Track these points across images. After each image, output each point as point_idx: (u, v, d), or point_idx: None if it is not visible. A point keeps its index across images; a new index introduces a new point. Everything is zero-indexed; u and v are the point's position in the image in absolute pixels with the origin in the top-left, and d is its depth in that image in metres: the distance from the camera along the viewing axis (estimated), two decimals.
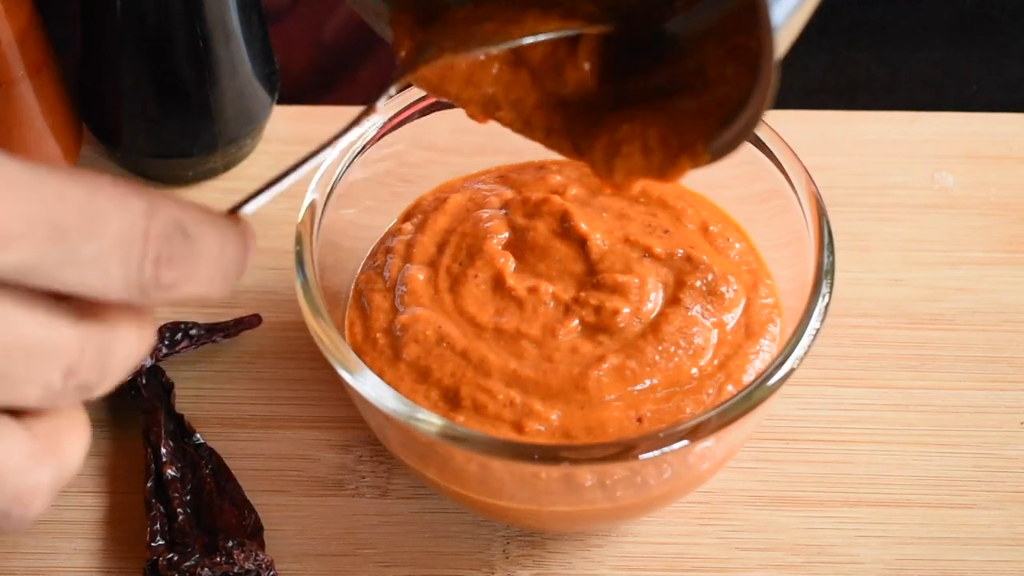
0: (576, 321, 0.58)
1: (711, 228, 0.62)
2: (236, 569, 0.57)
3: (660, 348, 0.57)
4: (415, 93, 0.62)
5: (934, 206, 0.72)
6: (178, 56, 0.68)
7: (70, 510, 0.61)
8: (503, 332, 0.58)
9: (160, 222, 0.38)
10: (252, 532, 0.60)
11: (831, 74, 0.88)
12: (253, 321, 0.67)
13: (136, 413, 0.64)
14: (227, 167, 0.74)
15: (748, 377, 0.57)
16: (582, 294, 0.59)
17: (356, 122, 0.48)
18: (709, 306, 0.59)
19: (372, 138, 0.61)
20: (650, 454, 0.51)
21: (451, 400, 0.56)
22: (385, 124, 0.62)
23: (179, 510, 0.60)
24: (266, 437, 0.64)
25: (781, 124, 0.60)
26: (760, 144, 0.60)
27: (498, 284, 0.60)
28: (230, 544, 0.58)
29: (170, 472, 0.61)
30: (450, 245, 0.62)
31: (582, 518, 0.58)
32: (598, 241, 0.60)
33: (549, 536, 0.61)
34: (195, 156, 0.72)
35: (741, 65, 0.47)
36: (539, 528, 0.61)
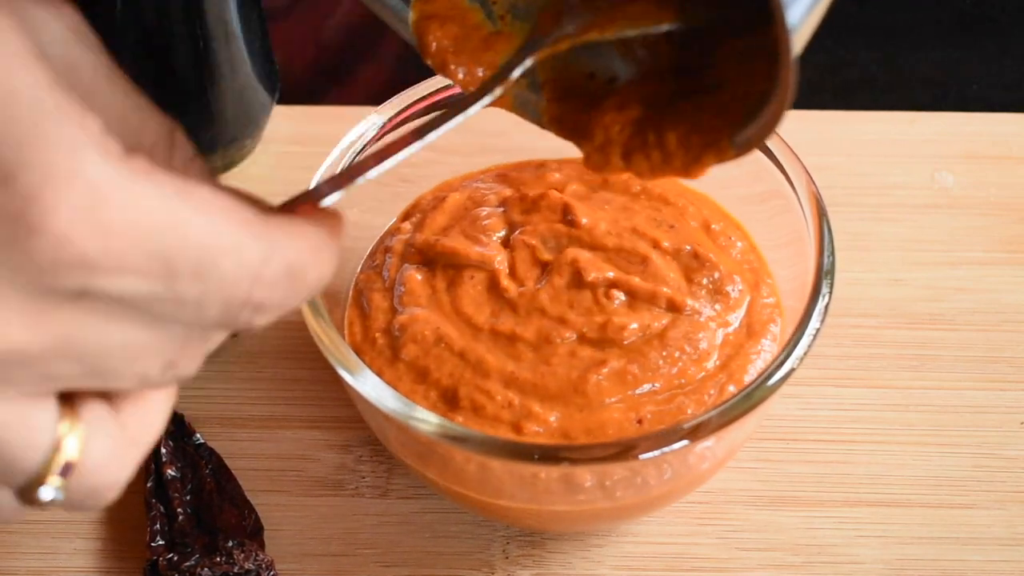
0: (574, 335, 0.58)
1: (713, 226, 0.62)
2: (236, 569, 0.57)
3: (664, 353, 0.57)
4: (415, 93, 0.62)
5: (934, 206, 0.72)
6: (178, 56, 0.68)
7: None
8: (499, 333, 0.58)
9: (271, 271, 0.37)
10: (252, 532, 0.60)
11: (831, 74, 0.88)
12: None
13: None
14: (227, 167, 0.74)
15: (749, 377, 0.57)
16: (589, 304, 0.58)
17: (481, 93, 0.46)
18: (716, 306, 0.59)
19: (372, 138, 0.61)
20: (650, 454, 0.51)
21: (449, 400, 0.56)
22: (385, 124, 0.62)
23: (179, 510, 0.60)
24: (266, 437, 0.64)
25: (781, 124, 0.60)
26: (760, 144, 0.60)
27: (493, 285, 0.59)
28: (230, 544, 0.58)
29: (170, 472, 0.61)
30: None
31: (582, 518, 0.58)
32: (602, 228, 0.60)
33: (549, 536, 0.61)
34: None
35: (761, 61, 0.47)
36: (539, 528, 0.61)
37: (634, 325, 0.57)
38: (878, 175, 0.74)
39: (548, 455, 0.52)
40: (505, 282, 0.59)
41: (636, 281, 0.59)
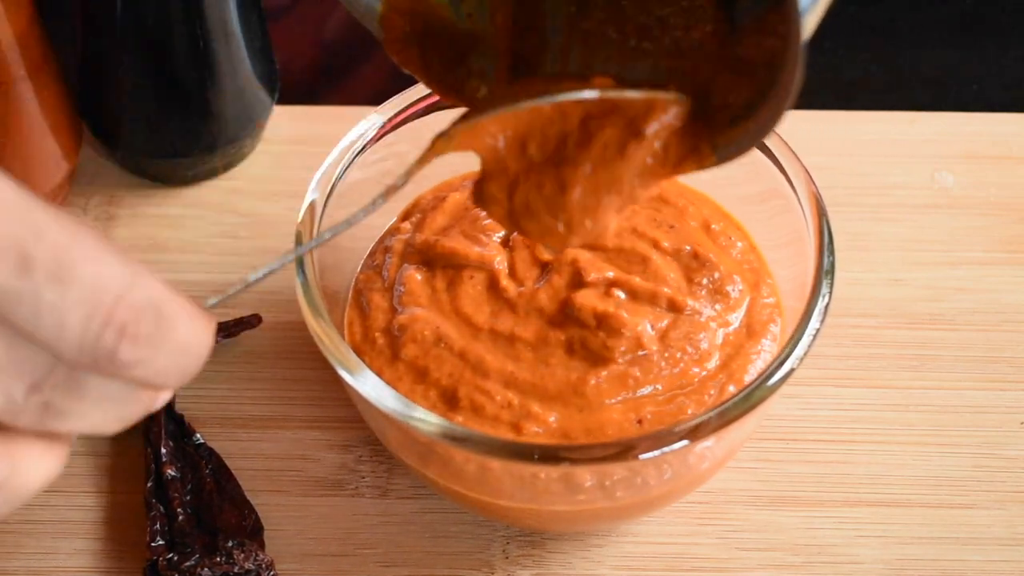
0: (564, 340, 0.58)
1: (713, 226, 0.62)
2: (236, 569, 0.57)
3: (667, 355, 0.57)
4: (415, 93, 0.62)
5: (934, 206, 0.72)
6: (178, 56, 0.68)
7: (70, 510, 0.61)
8: (499, 333, 0.58)
9: (137, 295, 0.37)
10: (252, 532, 0.60)
11: (831, 74, 0.88)
12: (253, 321, 0.67)
13: None
14: (227, 167, 0.74)
15: (749, 377, 0.57)
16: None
17: (374, 205, 0.47)
18: (716, 306, 0.59)
19: (372, 138, 0.61)
20: (650, 454, 0.51)
21: (449, 400, 0.56)
22: (385, 124, 0.62)
23: (179, 510, 0.60)
24: (266, 437, 0.64)
25: (781, 124, 0.60)
26: (760, 144, 0.60)
27: (492, 285, 0.59)
28: (230, 544, 0.58)
29: (170, 472, 0.61)
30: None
31: (582, 518, 0.58)
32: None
33: (549, 536, 0.61)
34: (195, 156, 0.72)
35: (749, 71, 0.47)
36: (539, 528, 0.61)
37: (643, 325, 0.57)
38: (878, 175, 0.74)
39: (548, 455, 0.52)
40: (504, 282, 0.59)
41: (636, 281, 0.59)
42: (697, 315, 0.58)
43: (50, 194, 0.70)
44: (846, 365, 0.66)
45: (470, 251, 0.60)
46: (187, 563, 0.57)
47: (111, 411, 0.39)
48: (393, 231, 0.63)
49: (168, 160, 0.72)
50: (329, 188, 0.60)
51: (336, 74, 0.86)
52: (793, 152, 0.59)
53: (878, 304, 0.68)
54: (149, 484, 0.61)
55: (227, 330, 0.66)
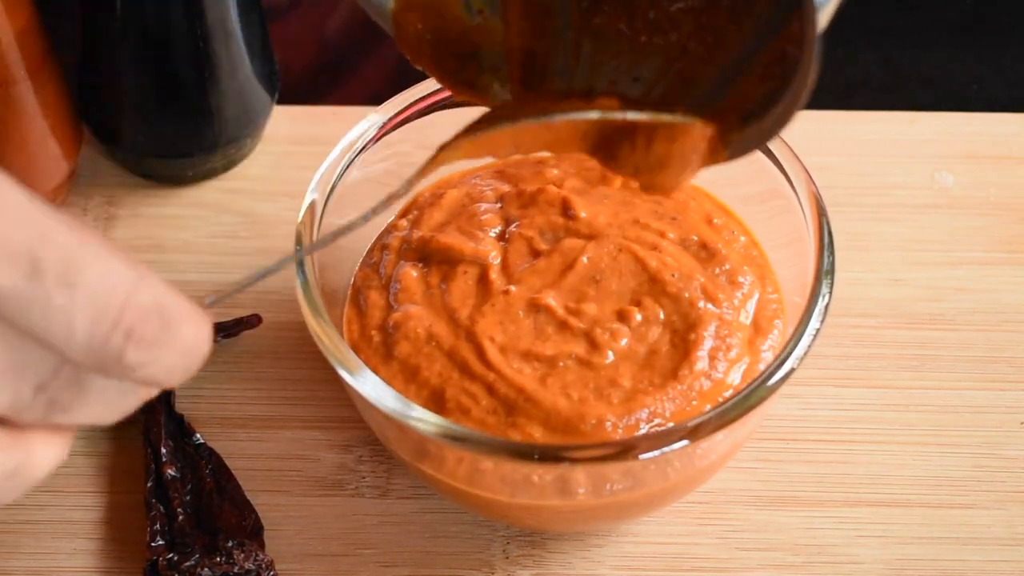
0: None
1: (715, 220, 0.62)
2: (236, 569, 0.57)
3: (690, 372, 0.56)
4: (415, 93, 0.62)
5: (934, 206, 0.72)
6: (178, 56, 0.68)
7: (70, 510, 0.61)
8: (484, 333, 0.58)
9: (143, 298, 0.37)
10: (252, 532, 0.60)
11: (831, 74, 0.88)
12: (253, 321, 0.67)
13: (136, 413, 0.64)
14: (227, 167, 0.74)
15: (754, 375, 0.57)
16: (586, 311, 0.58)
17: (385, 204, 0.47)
18: (729, 311, 0.58)
19: (372, 138, 0.61)
20: (650, 454, 0.51)
21: (437, 401, 0.56)
22: (385, 124, 0.62)
23: (179, 510, 0.60)
24: (266, 437, 0.64)
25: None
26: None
27: (483, 281, 0.59)
28: (230, 544, 0.58)
29: (170, 472, 0.61)
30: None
31: (582, 518, 0.58)
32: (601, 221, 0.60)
33: (549, 536, 0.61)
34: (195, 156, 0.72)
35: (764, 69, 0.47)
36: (539, 528, 0.61)
37: (639, 317, 0.57)
38: (878, 175, 0.74)
39: (548, 455, 0.51)
40: (494, 276, 0.59)
41: (669, 277, 0.58)
42: (724, 310, 0.58)
43: (50, 194, 0.70)
44: (846, 365, 0.66)
45: (465, 247, 0.60)
46: (187, 563, 0.57)
47: (112, 405, 0.40)
48: (391, 228, 0.63)
49: (168, 160, 0.72)
50: (329, 188, 0.60)
51: (336, 74, 0.86)
52: (793, 152, 0.59)
53: (878, 304, 0.68)
54: (149, 484, 0.61)
55: (227, 330, 0.66)
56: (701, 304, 0.57)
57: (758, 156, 0.60)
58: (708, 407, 0.55)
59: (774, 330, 0.59)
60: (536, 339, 0.57)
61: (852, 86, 0.88)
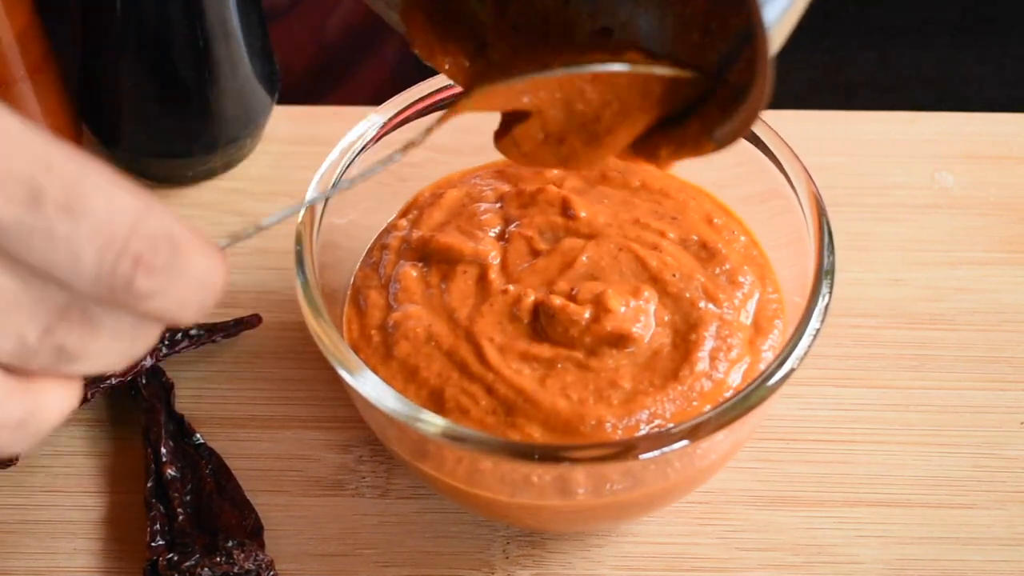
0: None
1: (715, 220, 0.62)
2: (236, 569, 0.57)
3: (689, 373, 0.56)
4: (415, 93, 0.62)
5: (934, 206, 0.72)
6: (178, 56, 0.68)
7: (70, 510, 0.61)
8: (483, 333, 0.57)
9: (151, 225, 0.36)
10: (252, 532, 0.60)
11: (831, 74, 0.88)
12: (253, 321, 0.67)
13: (136, 413, 0.64)
14: (227, 167, 0.74)
15: (754, 375, 0.57)
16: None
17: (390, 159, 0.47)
18: (729, 311, 0.58)
19: (372, 138, 0.61)
20: (650, 454, 0.51)
21: (436, 401, 0.56)
22: (385, 124, 0.62)
23: (179, 510, 0.60)
24: (266, 437, 0.64)
25: (781, 124, 0.60)
26: (760, 144, 0.60)
27: (482, 281, 0.59)
28: (230, 544, 0.58)
29: (170, 472, 0.61)
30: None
31: (582, 518, 0.58)
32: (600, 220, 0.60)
33: (549, 536, 0.61)
34: (195, 156, 0.72)
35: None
36: (539, 528, 0.61)
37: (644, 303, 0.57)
38: (878, 175, 0.74)
39: (548, 455, 0.51)
40: (493, 276, 0.59)
41: (670, 277, 0.58)
42: (724, 310, 0.58)
43: None
44: (846, 365, 0.66)
45: (465, 246, 0.60)
46: (187, 563, 0.57)
47: (122, 348, 0.38)
48: (391, 228, 0.63)
49: (168, 160, 0.72)
50: (329, 188, 0.60)
51: (336, 74, 0.86)
52: (793, 152, 0.59)
53: (878, 304, 0.68)
54: (149, 484, 0.61)
55: (227, 330, 0.66)
56: (702, 304, 0.57)
57: (758, 156, 0.60)
58: (708, 407, 0.55)
59: (774, 330, 0.59)
60: (535, 339, 0.57)
61: (852, 86, 0.88)
